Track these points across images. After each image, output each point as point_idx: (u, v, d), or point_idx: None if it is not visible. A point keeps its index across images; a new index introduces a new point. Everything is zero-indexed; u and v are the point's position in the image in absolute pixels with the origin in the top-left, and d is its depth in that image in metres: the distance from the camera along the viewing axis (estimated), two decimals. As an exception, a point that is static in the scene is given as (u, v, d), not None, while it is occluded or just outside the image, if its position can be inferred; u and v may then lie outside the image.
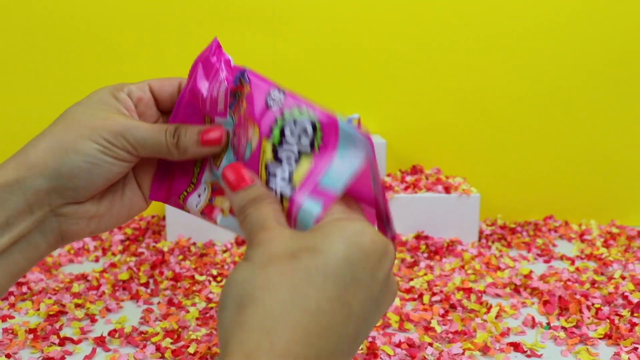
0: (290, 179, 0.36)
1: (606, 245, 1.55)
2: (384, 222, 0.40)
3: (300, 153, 0.36)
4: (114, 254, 1.46)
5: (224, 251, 1.46)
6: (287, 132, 0.36)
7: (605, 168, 1.74)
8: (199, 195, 0.43)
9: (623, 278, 1.30)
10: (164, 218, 1.67)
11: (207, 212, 0.42)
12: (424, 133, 1.72)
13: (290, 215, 0.36)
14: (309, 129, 0.36)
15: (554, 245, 1.56)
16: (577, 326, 1.08)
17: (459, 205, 1.51)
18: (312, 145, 0.36)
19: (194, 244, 1.49)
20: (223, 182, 0.37)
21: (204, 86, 0.41)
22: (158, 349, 1.01)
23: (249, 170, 0.37)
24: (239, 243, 1.48)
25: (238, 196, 0.36)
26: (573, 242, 1.60)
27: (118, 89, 0.41)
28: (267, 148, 0.37)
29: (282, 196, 0.36)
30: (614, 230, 1.65)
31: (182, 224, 1.50)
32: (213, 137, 0.40)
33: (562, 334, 1.05)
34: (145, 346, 1.01)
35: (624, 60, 1.67)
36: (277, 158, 0.37)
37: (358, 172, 0.35)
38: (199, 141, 0.40)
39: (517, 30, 1.65)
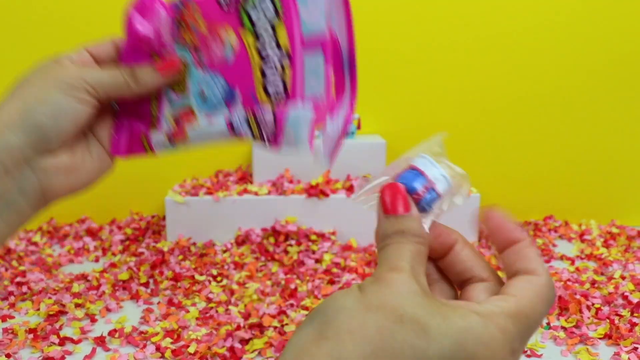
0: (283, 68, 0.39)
1: (606, 245, 1.55)
2: (342, 64, 0.41)
3: (273, 28, 0.39)
4: (114, 254, 1.46)
5: (224, 251, 1.46)
6: (252, 15, 0.40)
7: (605, 168, 1.74)
8: (164, 133, 0.44)
9: (623, 278, 1.30)
10: (164, 218, 1.67)
11: (175, 135, 0.44)
12: (423, 133, 1.71)
13: (280, 124, 0.39)
14: (268, 2, 0.39)
15: (554, 245, 1.56)
16: (577, 326, 1.08)
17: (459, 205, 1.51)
18: (276, 13, 0.39)
19: (194, 244, 1.49)
20: (378, 200, 0.34)
21: (144, 27, 0.42)
22: (158, 348, 1.01)
23: (409, 198, 0.34)
24: (239, 243, 1.48)
25: (388, 221, 0.33)
26: (573, 242, 1.60)
27: (57, 60, 0.42)
28: (251, 43, 0.40)
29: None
30: (614, 230, 1.65)
31: (182, 224, 1.50)
32: (169, 63, 0.41)
33: (562, 333, 1.05)
34: (145, 346, 1.01)
35: (624, 61, 1.67)
36: (262, 57, 0.40)
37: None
38: (155, 70, 0.41)
39: (517, 30, 1.65)
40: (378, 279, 0.30)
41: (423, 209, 0.33)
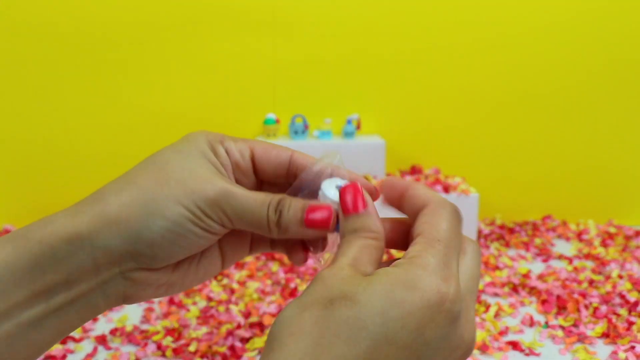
0: None
1: (604, 244, 1.55)
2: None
3: None
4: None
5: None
6: None
7: (603, 168, 1.75)
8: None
9: (620, 277, 1.31)
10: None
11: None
12: (423, 133, 1.73)
13: None
14: None
15: (552, 245, 1.57)
16: (575, 325, 1.09)
17: (458, 205, 1.51)
18: None
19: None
20: (340, 202, 0.33)
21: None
22: (159, 347, 1.01)
23: (367, 195, 0.33)
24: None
25: (346, 222, 0.32)
26: (571, 241, 1.61)
27: (216, 140, 0.35)
28: None
29: None
30: (612, 229, 1.66)
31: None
32: (319, 218, 0.33)
33: (560, 332, 1.06)
34: (146, 344, 1.02)
35: (622, 62, 1.67)
36: None
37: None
38: (302, 220, 0.33)
39: (516, 32, 1.65)
40: (315, 279, 0.30)
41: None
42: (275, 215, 0.33)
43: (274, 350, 0.28)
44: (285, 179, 0.37)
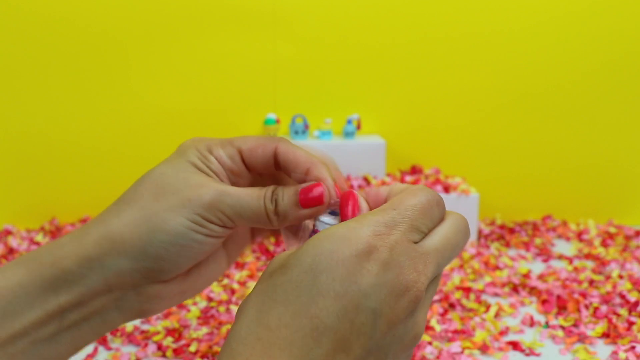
0: None
1: (604, 244, 1.55)
2: None
3: None
4: (114, 254, 1.46)
5: (225, 251, 1.46)
6: None
7: (603, 168, 1.75)
8: None
9: (621, 277, 1.31)
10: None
11: None
12: (423, 133, 1.73)
13: None
14: None
15: (552, 245, 1.57)
16: (575, 325, 1.09)
17: (458, 205, 1.52)
18: None
19: (195, 243, 1.49)
20: (340, 209, 0.34)
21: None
22: (159, 347, 1.01)
23: (362, 201, 0.34)
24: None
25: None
26: (571, 241, 1.61)
27: (205, 149, 0.36)
28: None
29: None
30: (612, 229, 1.66)
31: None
32: (313, 195, 0.35)
33: (560, 332, 1.06)
34: (146, 345, 1.02)
35: (623, 61, 1.67)
36: None
37: None
38: (297, 202, 0.35)
39: (517, 30, 1.65)
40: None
41: None
42: (272, 204, 0.34)
43: (230, 330, 0.29)
44: (277, 169, 0.39)
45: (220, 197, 0.34)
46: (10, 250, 1.48)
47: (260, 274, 1.33)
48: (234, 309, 1.15)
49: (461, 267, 1.37)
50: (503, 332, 1.06)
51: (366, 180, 1.57)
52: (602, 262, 1.40)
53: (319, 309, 0.27)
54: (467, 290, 1.22)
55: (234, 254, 0.41)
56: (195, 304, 1.19)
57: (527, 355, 0.99)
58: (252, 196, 0.35)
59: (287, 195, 0.35)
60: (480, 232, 1.60)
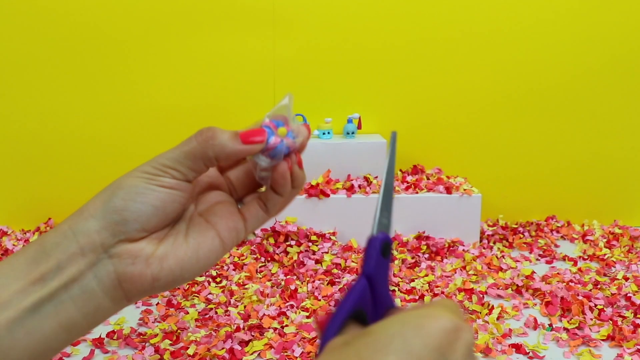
0: None
1: (609, 245, 1.54)
2: None
3: None
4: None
5: (224, 252, 1.45)
6: None
7: (608, 168, 1.73)
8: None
9: (626, 279, 1.29)
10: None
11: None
12: (424, 132, 1.71)
13: None
14: None
15: (556, 246, 1.55)
16: (579, 327, 1.07)
17: (460, 206, 1.50)
18: None
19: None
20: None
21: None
22: (157, 350, 1.00)
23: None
24: (238, 244, 1.47)
25: None
26: (575, 242, 1.59)
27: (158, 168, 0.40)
28: None
29: None
30: (617, 230, 1.64)
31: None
32: (253, 134, 0.38)
33: (564, 335, 1.04)
34: (144, 347, 1.01)
35: (627, 61, 1.66)
36: None
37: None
38: (237, 135, 0.38)
39: (519, 30, 1.64)
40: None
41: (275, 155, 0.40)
42: (201, 135, 0.38)
43: None
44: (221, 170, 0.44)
45: (160, 156, 0.38)
46: (6, 251, 1.47)
47: (259, 275, 1.32)
48: (233, 310, 1.13)
49: (463, 268, 1.36)
50: (506, 335, 1.04)
51: (366, 179, 1.55)
52: (607, 264, 1.39)
53: None
54: (469, 292, 1.20)
55: (224, 231, 0.41)
56: (193, 305, 1.17)
57: (531, 358, 0.98)
58: (187, 143, 0.39)
59: (222, 131, 0.39)
60: (482, 233, 1.58)
